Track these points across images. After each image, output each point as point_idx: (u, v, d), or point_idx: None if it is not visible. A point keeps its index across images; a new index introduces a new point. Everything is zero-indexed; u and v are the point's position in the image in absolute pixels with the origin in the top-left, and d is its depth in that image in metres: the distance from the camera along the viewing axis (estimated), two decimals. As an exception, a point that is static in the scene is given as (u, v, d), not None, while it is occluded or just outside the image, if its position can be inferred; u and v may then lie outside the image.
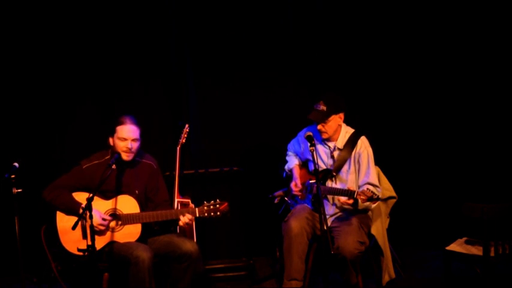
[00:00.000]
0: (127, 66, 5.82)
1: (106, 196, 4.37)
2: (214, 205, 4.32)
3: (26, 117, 5.75)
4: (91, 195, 4.00)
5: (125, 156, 4.37)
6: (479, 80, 5.89)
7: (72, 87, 5.79)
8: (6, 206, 4.40)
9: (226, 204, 4.33)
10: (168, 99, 5.91)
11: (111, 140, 4.43)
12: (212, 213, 4.31)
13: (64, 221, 4.30)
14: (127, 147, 4.35)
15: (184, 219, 4.31)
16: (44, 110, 5.77)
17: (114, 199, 4.35)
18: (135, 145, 4.39)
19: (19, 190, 4.23)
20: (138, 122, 4.43)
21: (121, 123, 4.37)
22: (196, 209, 4.33)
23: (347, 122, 4.72)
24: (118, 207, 4.34)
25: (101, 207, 4.31)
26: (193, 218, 4.32)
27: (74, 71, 5.77)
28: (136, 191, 4.41)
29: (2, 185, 4.17)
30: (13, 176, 4.21)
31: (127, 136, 4.36)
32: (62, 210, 4.32)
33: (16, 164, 4.25)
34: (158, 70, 5.87)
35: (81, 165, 4.43)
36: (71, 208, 4.28)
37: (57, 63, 5.74)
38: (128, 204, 4.34)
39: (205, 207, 4.33)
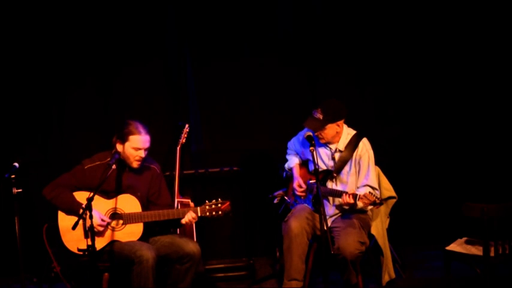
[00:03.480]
0: (127, 67, 5.80)
1: (108, 196, 4.35)
2: (216, 204, 4.29)
3: (26, 117, 5.74)
4: (91, 194, 3.99)
5: (135, 164, 4.36)
6: (478, 80, 5.90)
7: (72, 86, 5.78)
8: (6, 206, 4.39)
9: (228, 203, 4.29)
10: (169, 100, 5.90)
11: (119, 145, 4.35)
12: (214, 213, 4.29)
13: (66, 220, 4.27)
14: (140, 157, 4.34)
15: (189, 216, 4.28)
16: (44, 109, 5.76)
17: (115, 198, 4.33)
18: (146, 153, 4.38)
19: (19, 190, 4.21)
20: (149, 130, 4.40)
21: (136, 132, 4.31)
22: (198, 208, 4.31)
23: (349, 121, 4.70)
24: (120, 206, 4.32)
25: (102, 206, 4.29)
26: (196, 217, 4.29)
27: (73, 69, 5.76)
28: (139, 194, 4.38)
29: (2, 185, 4.16)
30: (13, 176, 4.20)
31: (142, 146, 4.33)
32: (63, 210, 4.29)
33: (16, 164, 4.24)
34: (158, 71, 5.86)
35: (83, 164, 4.39)
36: (71, 208, 4.24)
37: (55, 61, 5.71)
38: (129, 203, 4.32)
39: (207, 207, 4.30)
